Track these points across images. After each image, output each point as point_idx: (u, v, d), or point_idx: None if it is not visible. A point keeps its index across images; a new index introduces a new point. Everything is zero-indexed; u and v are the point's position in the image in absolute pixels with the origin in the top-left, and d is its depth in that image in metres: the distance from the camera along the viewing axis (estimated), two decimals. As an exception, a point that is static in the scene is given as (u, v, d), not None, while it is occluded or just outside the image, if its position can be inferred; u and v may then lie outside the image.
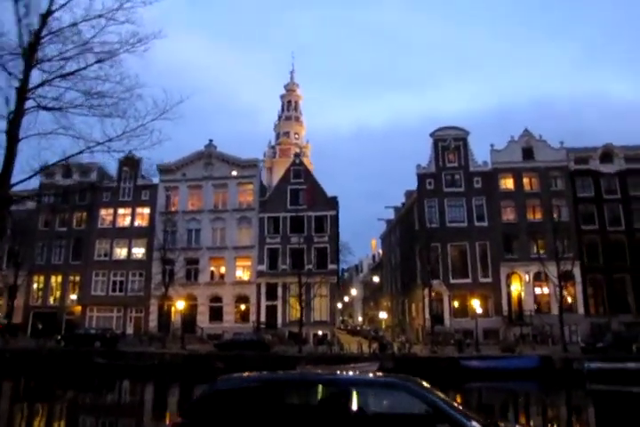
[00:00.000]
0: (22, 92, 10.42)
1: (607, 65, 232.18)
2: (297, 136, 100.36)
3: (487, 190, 49.78)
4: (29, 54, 10.43)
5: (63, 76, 10.73)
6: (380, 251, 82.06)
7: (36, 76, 10.61)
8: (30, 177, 10.96)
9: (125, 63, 10.90)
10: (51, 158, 11.04)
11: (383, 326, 62.90)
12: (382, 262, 76.33)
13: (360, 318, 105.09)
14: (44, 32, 10.44)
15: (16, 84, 10.46)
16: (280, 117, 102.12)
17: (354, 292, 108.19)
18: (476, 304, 42.64)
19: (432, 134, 51.69)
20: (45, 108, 10.73)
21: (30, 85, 10.52)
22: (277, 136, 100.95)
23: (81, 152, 10.78)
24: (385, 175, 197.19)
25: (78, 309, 52.83)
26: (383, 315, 46.80)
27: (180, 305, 45.13)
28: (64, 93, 10.82)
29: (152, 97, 10.90)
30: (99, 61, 10.66)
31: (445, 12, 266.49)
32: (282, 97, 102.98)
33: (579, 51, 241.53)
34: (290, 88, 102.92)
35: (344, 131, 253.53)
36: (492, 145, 51.11)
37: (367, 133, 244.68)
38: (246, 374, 7.59)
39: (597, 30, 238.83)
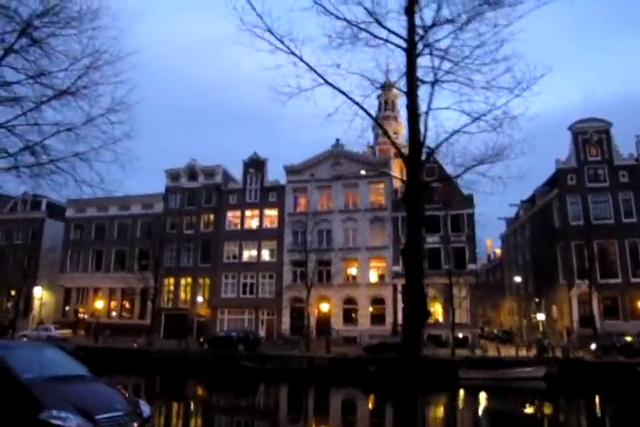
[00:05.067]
0: (410, 57, 9.00)
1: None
2: (396, 135, 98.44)
3: (635, 185, 46.76)
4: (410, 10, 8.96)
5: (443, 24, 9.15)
6: (497, 251, 79.29)
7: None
8: (429, 156, 9.44)
9: None
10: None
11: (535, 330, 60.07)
12: (502, 262, 73.73)
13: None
14: None
15: (402, 44, 9.11)
16: (378, 117, 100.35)
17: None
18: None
19: (570, 127, 49.07)
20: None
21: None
22: (376, 136, 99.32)
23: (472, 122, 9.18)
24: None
25: (207, 311, 53.08)
26: (541, 316, 44.18)
27: (323, 308, 44.47)
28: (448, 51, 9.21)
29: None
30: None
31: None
32: (378, 97, 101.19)
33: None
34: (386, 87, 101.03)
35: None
36: (637, 136, 48.05)
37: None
38: None
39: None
